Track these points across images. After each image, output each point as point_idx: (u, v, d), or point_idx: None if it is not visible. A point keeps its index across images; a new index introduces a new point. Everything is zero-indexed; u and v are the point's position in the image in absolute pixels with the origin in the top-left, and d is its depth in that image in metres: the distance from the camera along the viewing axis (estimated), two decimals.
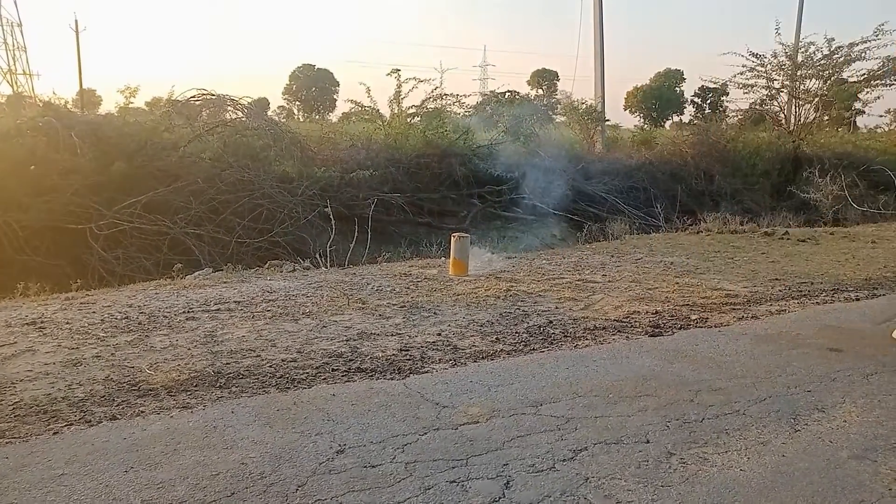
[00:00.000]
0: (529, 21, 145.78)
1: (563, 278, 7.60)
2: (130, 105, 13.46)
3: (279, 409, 3.68)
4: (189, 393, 3.94)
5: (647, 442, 3.33)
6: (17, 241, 9.42)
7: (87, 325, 5.33)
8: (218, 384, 4.08)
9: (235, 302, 6.18)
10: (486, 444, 3.26)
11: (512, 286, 7.03)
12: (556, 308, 6.18)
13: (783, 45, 20.83)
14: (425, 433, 3.38)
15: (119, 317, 5.59)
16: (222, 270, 8.21)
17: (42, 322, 5.39)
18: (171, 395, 3.89)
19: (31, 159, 10.29)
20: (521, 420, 3.57)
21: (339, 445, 3.23)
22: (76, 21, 41.51)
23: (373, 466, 3.02)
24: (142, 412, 3.64)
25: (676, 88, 62.95)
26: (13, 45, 44.92)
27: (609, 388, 4.07)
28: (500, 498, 2.78)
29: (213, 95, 13.47)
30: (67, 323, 5.38)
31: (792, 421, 3.64)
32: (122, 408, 3.70)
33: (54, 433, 3.38)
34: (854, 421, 3.66)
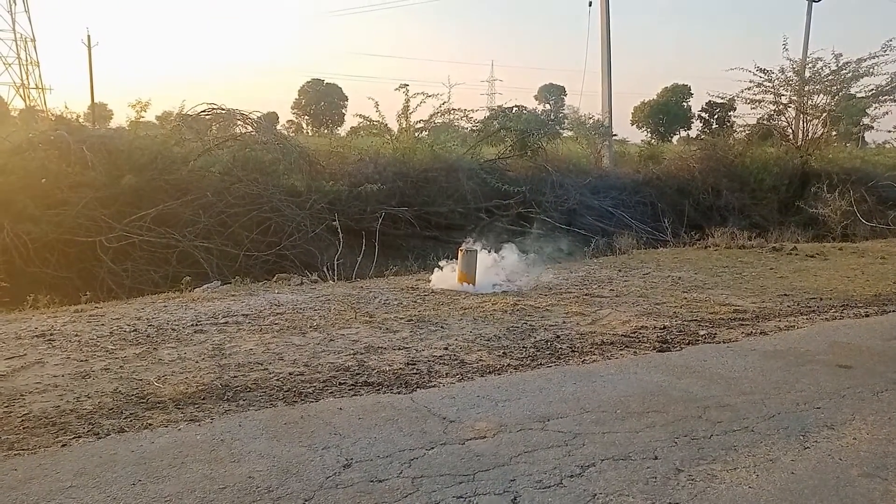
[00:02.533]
0: (537, 37, 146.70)
1: (571, 293, 7.60)
2: (141, 119, 13.53)
3: (286, 422, 3.69)
4: (197, 406, 3.95)
5: (656, 458, 3.32)
6: (28, 254, 9.49)
7: (95, 337, 5.37)
8: (226, 397, 4.09)
9: (243, 315, 6.20)
10: (493, 460, 3.25)
11: (519, 300, 7.02)
12: (564, 323, 6.17)
13: (791, 60, 20.86)
14: (432, 448, 3.38)
15: (128, 329, 5.62)
16: (230, 283, 8.25)
17: (51, 334, 5.42)
18: (178, 408, 3.90)
19: (42, 172, 10.40)
20: (528, 435, 3.56)
21: (346, 459, 3.23)
22: (88, 36, 42.07)
23: (380, 481, 3.02)
24: (150, 425, 3.66)
25: (684, 103, 63.07)
26: (27, 60, 45.57)
27: (617, 404, 4.06)
28: None
29: (223, 110, 13.56)
30: (76, 335, 5.41)
31: (801, 438, 3.61)
32: (131, 420, 3.72)
33: (63, 445, 3.39)
34: (864, 438, 3.63)
